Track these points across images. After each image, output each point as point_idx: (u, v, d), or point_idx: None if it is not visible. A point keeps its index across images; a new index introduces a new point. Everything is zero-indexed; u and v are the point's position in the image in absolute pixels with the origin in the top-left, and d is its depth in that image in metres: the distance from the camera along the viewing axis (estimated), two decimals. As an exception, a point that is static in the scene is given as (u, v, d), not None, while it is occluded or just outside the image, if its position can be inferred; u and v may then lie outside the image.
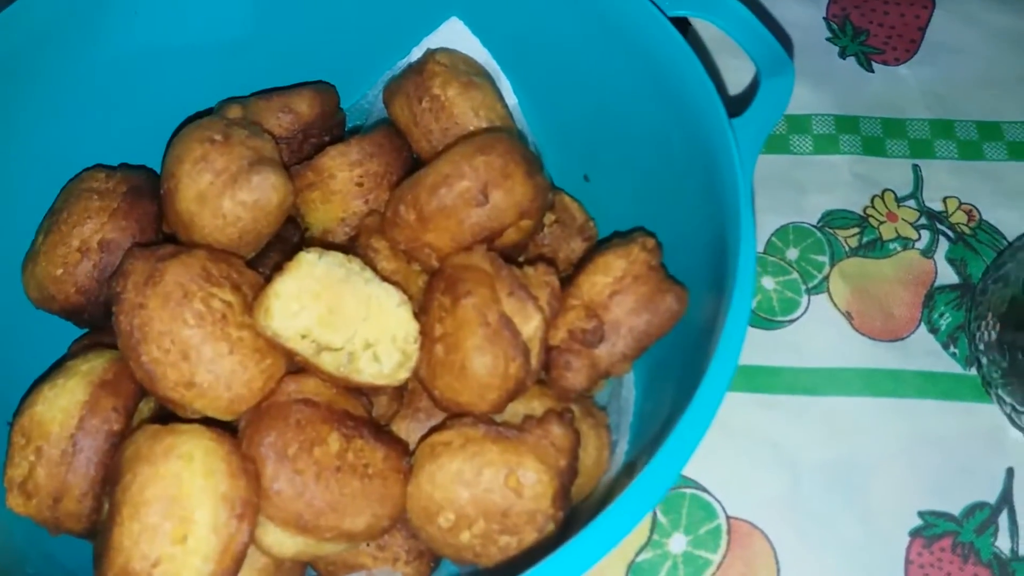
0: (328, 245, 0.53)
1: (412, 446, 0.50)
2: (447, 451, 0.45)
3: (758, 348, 0.64)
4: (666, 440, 0.39)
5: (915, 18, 0.80)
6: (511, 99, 0.61)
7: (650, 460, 0.39)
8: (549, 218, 0.59)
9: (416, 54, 0.62)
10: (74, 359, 0.48)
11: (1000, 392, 0.60)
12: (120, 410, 0.46)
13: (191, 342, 0.44)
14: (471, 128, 0.55)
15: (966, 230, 0.69)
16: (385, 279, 0.47)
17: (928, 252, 0.68)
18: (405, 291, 0.47)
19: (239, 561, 0.42)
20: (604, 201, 0.60)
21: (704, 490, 0.59)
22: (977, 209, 0.70)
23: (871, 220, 0.70)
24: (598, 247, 0.55)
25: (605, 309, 0.49)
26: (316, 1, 0.60)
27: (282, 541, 0.44)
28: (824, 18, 0.80)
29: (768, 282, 0.67)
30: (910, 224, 0.69)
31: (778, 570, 0.57)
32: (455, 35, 0.61)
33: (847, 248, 0.68)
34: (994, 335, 0.60)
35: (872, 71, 0.77)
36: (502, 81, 0.61)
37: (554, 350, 0.49)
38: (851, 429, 0.61)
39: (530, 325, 0.47)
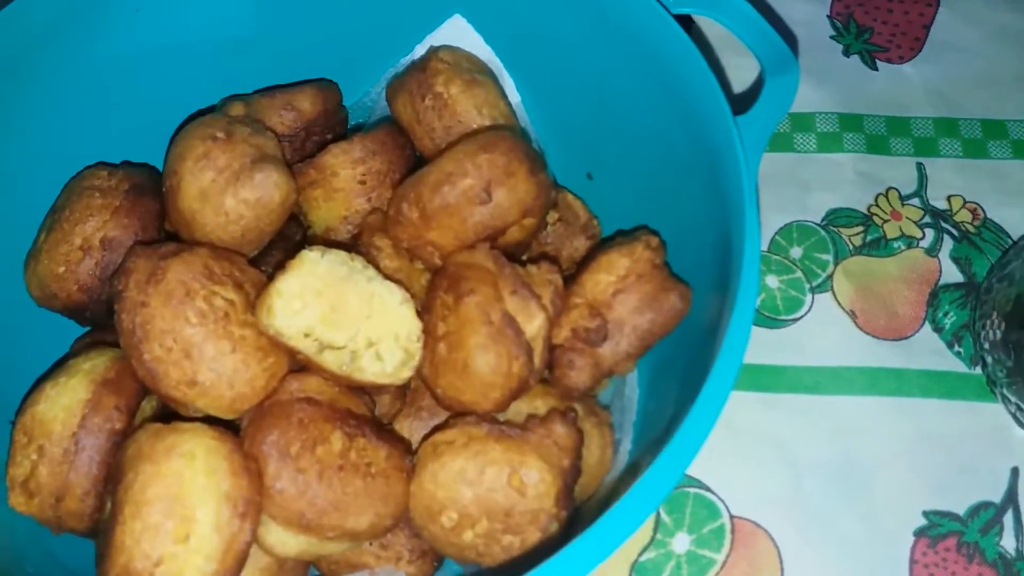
0: (331, 243, 0.53)
1: (415, 445, 0.49)
2: (450, 450, 0.45)
3: (762, 347, 0.64)
4: (671, 439, 0.39)
5: (919, 16, 0.80)
6: (514, 97, 0.61)
7: (654, 459, 0.38)
8: (552, 216, 0.58)
9: (419, 51, 0.62)
10: (76, 357, 0.48)
11: (1005, 391, 0.60)
12: (122, 409, 0.46)
13: (193, 340, 0.44)
14: (474, 126, 0.55)
15: (970, 229, 0.69)
16: (388, 277, 0.47)
17: (932, 251, 0.68)
18: (408, 289, 0.47)
19: (241, 560, 0.42)
20: (607, 199, 0.60)
21: (708, 489, 0.59)
22: (981, 208, 0.70)
23: (875, 218, 0.69)
24: (601, 245, 0.54)
25: (609, 308, 0.49)
26: (319, -2, 0.60)
27: (285, 540, 0.44)
28: (828, 16, 0.80)
29: (772, 281, 0.67)
30: (914, 223, 0.69)
31: (782, 570, 0.57)
32: (458, 32, 0.61)
33: (851, 247, 0.68)
34: (999, 334, 0.59)
35: (876, 69, 0.77)
36: (505, 79, 0.61)
37: (557, 349, 0.49)
38: (855, 428, 0.61)
39: (533, 324, 0.47)
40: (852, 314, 0.65)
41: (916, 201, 0.70)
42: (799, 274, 0.67)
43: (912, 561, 0.57)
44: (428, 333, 0.47)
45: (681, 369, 0.47)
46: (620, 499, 0.37)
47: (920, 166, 0.72)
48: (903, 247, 0.68)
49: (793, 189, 0.71)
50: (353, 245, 0.54)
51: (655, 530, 0.58)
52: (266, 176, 0.50)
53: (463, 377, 0.46)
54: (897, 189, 0.71)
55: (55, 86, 0.54)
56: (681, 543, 0.58)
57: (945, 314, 0.65)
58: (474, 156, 0.49)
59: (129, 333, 0.44)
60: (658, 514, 0.59)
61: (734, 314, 0.42)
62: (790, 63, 0.51)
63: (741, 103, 0.49)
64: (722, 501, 0.59)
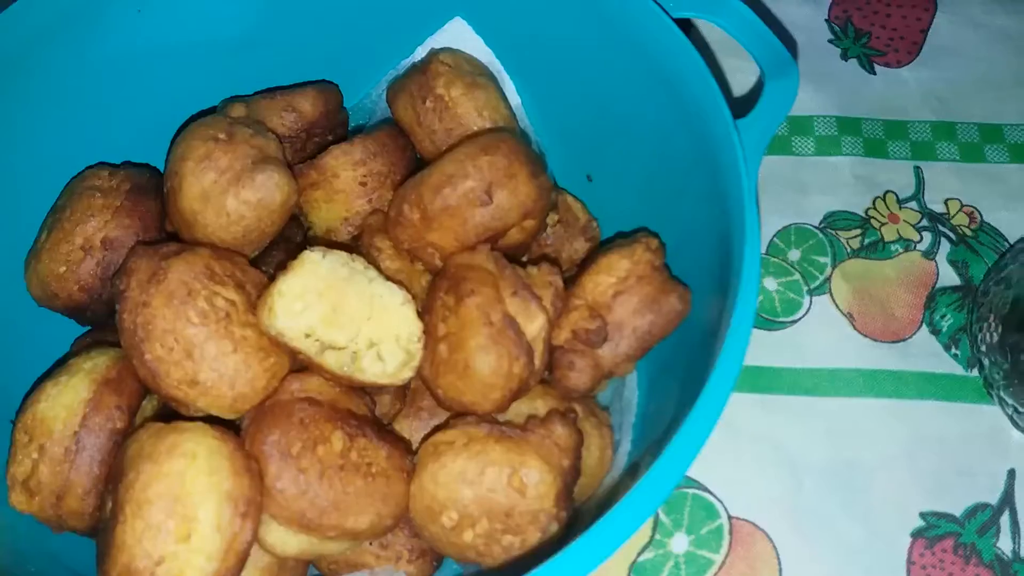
0: (332, 244, 0.53)
1: (415, 445, 0.50)
2: (450, 450, 0.45)
3: (760, 349, 0.64)
4: (671, 441, 0.39)
5: (916, 20, 0.80)
6: (515, 99, 0.61)
7: (655, 461, 0.39)
8: (552, 218, 0.59)
9: (420, 54, 0.62)
10: (77, 357, 0.48)
11: (1002, 394, 0.60)
12: (123, 408, 0.46)
13: (195, 340, 0.44)
14: (475, 128, 0.55)
15: (967, 232, 0.69)
16: (389, 278, 0.47)
17: (930, 254, 0.68)
18: (409, 290, 0.47)
19: (242, 559, 0.42)
20: (607, 201, 0.60)
21: (706, 490, 0.59)
22: (978, 211, 0.70)
23: (873, 221, 0.70)
24: (601, 247, 0.55)
25: (608, 309, 0.49)
26: (320, 0, 0.60)
27: (285, 540, 0.44)
28: (826, 20, 0.80)
29: (770, 283, 0.67)
30: (912, 226, 0.69)
31: (780, 570, 0.57)
32: (459, 35, 0.61)
33: (849, 249, 0.69)
34: (996, 337, 0.60)
35: (874, 73, 0.77)
36: (506, 81, 0.61)
37: (558, 350, 0.49)
38: (853, 430, 0.61)
39: (534, 325, 0.47)
40: (850, 316, 0.66)
41: (914, 204, 0.70)
42: (797, 276, 0.68)
43: (909, 562, 0.57)
44: (429, 334, 0.47)
45: (681, 371, 0.47)
46: (620, 500, 0.38)
47: (918, 169, 0.72)
48: (901, 250, 0.68)
49: (791, 192, 0.71)
50: (354, 246, 0.54)
51: (654, 530, 0.58)
52: (267, 177, 0.50)
53: (464, 378, 0.46)
54: (895, 192, 0.71)
55: (57, 86, 0.54)
56: (680, 543, 0.58)
57: (942, 317, 0.65)
58: (475, 158, 0.49)
59: (130, 333, 0.44)
60: (657, 514, 0.59)
61: (734, 316, 0.42)
62: (789, 67, 0.51)
63: (741, 106, 0.49)
64: (720, 502, 0.59)
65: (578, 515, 0.48)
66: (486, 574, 0.46)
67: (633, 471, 0.45)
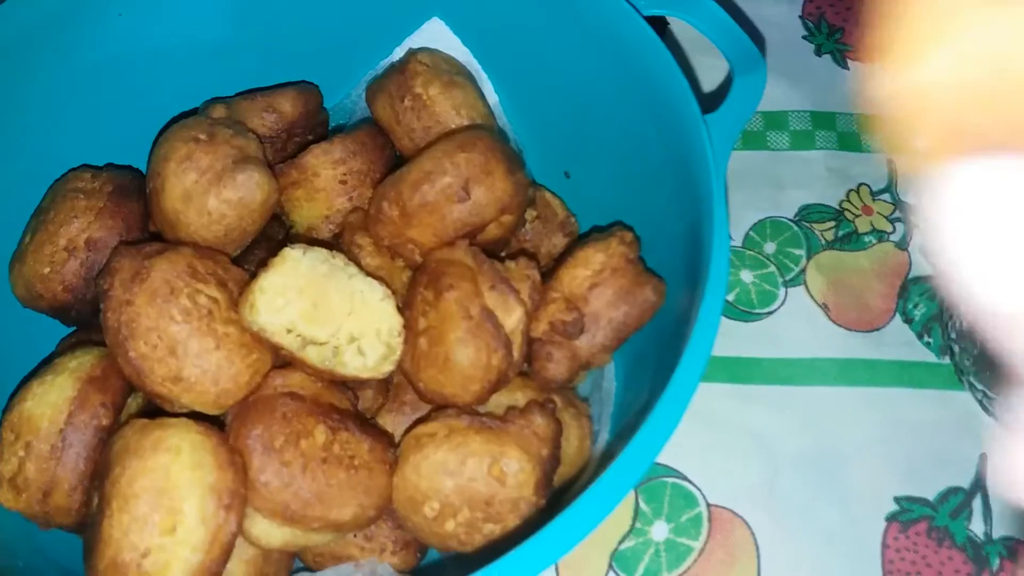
0: (313, 242, 0.54)
1: (397, 439, 0.50)
2: (432, 442, 0.46)
3: (737, 340, 0.65)
4: (640, 427, 0.40)
5: (889, 16, 0.82)
6: (492, 97, 0.62)
7: (625, 447, 0.40)
8: (531, 214, 0.60)
9: (398, 54, 0.63)
10: (62, 356, 0.49)
11: (972, 380, 0.61)
12: (108, 405, 0.47)
13: (178, 338, 0.45)
14: (453, 126, 0.56)
15: (939, 222, 0.70)
16: (369, 274, 0.48)
17: (902, 244, 0.69)
18: (389, 286, 0.48)
19: (227, 551, 0.42)
20: (585, 197, 0.61)
21: (685, 479, 0.60)
22: (950, 202, 0.71)
23: (847, 214, 0.71)
24: (578, 241, 0.56)
25: (585, 301, 0.50)
26: (299, 2, 0.61)
27: (269, 532, 0.45)
28: (800, 16, 0.82)
29: (746, 275, 0.68)
30: (885, 217, 0.71)
31: (758, 556, 0.58)
32: (436, 35, 0.62)
33: (823, 241, 0.70)
34: (966, 324, 0.61)
35: (847, 68, 0.79)
36: (483, 80, 0.62)
37: (536, 342, 0.50)
38: (828, 418, 0.62)
39: (512, 318, 0.48)
40: (824, 307, 0.67)
41: (886, 196, 0.72)
42: (772, 269, 0.69)
43: (884, 546, 0.58)
44: (409, 328, 0.48)
45: (653, 361, 0.48)
46: (591, 486, 0.39)
47: (890, 162, 0.73)
48: (874, 241, 0.70)
49: (767, 186, 0.72)
50: (335, 243, 0.55)
51: (634, 519, 0.59)
52: (248, 176, 0.50)
53: (444, 371, 0.47)
54: (868, 185, 0.72)
55: (40, 89, 0.55)
56: (660, 531, 0.59)
57: (915, 306, 0.67)
58: (452, 155, 0.50)
59: (115, 331, 0.45)
60: (637, 503, 0.60)
61: (703, 306, 0.43)
62: (758, 62, 0.52)
63: (711, 102, 0.50)
64: (699, 490, 0.60)
65: (558, 503, 0.48)
66: (465, 558, 0.47)
67: (607, 459, 0.46)
